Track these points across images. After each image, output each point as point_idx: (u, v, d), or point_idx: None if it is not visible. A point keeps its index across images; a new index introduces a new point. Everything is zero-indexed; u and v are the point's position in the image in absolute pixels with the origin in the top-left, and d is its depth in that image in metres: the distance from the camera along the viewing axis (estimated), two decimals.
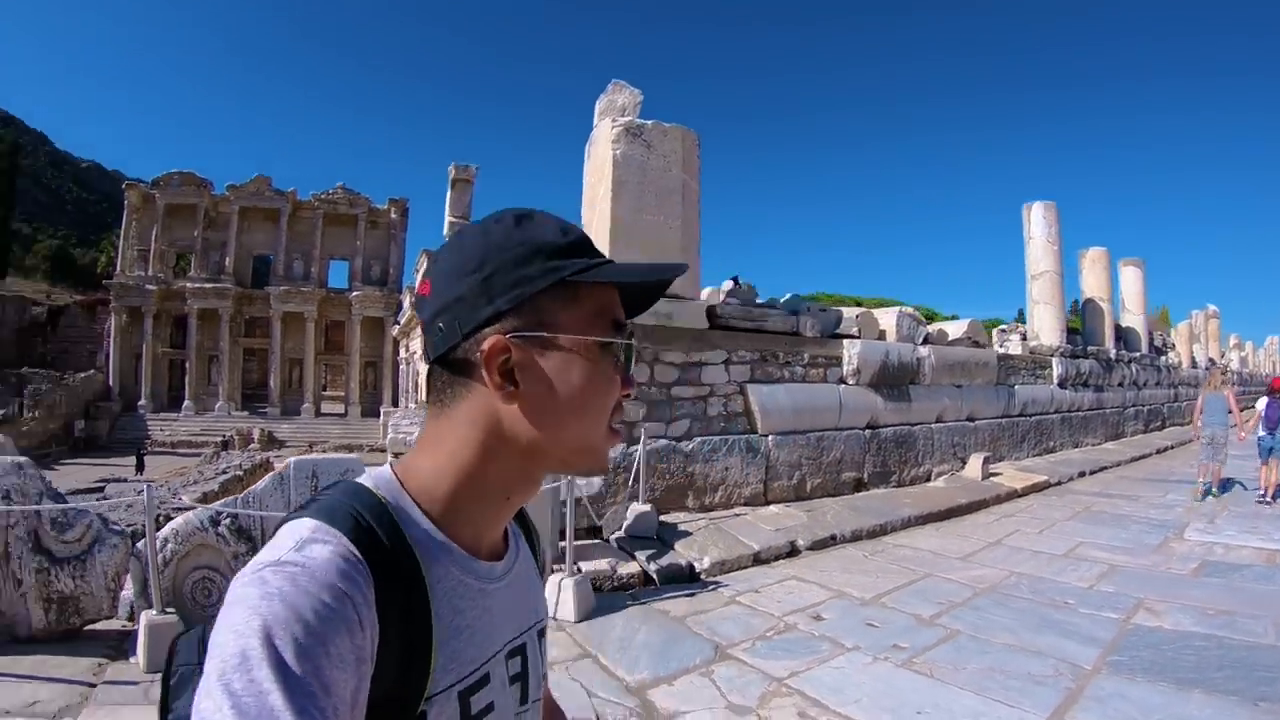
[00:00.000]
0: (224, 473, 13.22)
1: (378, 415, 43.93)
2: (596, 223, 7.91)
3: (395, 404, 41.50)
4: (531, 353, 0.77)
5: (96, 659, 4.51)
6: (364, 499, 0.75)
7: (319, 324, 48.67)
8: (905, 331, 10.72)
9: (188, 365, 47.44)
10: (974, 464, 10.43)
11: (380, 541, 0.71)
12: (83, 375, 44.80)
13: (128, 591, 4.94)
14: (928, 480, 10.19)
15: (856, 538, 7.59)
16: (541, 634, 0.95)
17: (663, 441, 7.70)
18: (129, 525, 8.19)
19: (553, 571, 5.57)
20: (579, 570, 5.66)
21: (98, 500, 11.36)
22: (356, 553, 0.68)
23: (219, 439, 37.22)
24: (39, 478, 4.77)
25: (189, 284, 47.39)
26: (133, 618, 5.00)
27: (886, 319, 10.81)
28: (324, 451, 33.96)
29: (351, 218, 49.73)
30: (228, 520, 4.88)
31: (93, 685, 4.15)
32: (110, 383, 46.66)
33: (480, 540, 0.84)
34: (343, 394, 49.79)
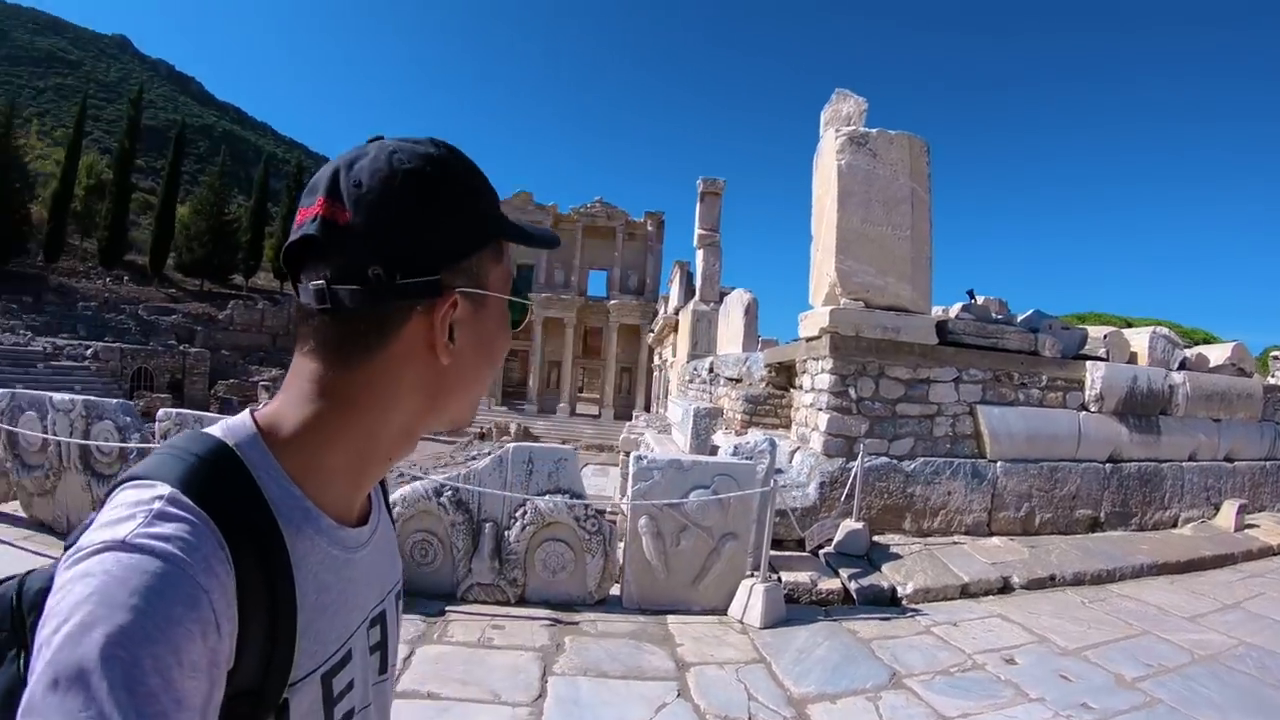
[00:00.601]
0: (473, 459, 14.50)
1: (629, 418, 45.07)
2: (823, 234, 7.83)
3: (647, 408, 42.53)
4: (469, 309, 0.76)
5: None
6: (218, 454, 0.69)
7: (578, 329, 50.42)
8: (1159, 354, 9.74)
9: None
10: (1227, 511, 9.24)
11: (237, 512, 0.65)
12: None
13: None
14: (1173, 526, 9.15)
15: (1079, 581, 7.01)
16: (399, 596, 0.90)
17: (882, 459, 7.49)
18: None
19: (748, 576, 5.70)
20: (778, 579, 5.76)
21: None
22: (216, 532, 0.62)
23: (480, 429, 39.22)
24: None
25: None
26: None
27: (1138, 340, 9.88)
28: (575, 448, 35.53)
29: (610, 230, 51.23)
30: (449, 493, 5.39)
31: None
32: None
33: (351, 504, 0.80)
34: (598, 396, 51.37)
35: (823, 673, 4.59)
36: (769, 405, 9.97)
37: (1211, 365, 10.52)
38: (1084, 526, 8.41)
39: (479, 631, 4.82)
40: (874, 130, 7.91)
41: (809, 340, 8.23)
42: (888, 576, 6.46)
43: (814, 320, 7.93)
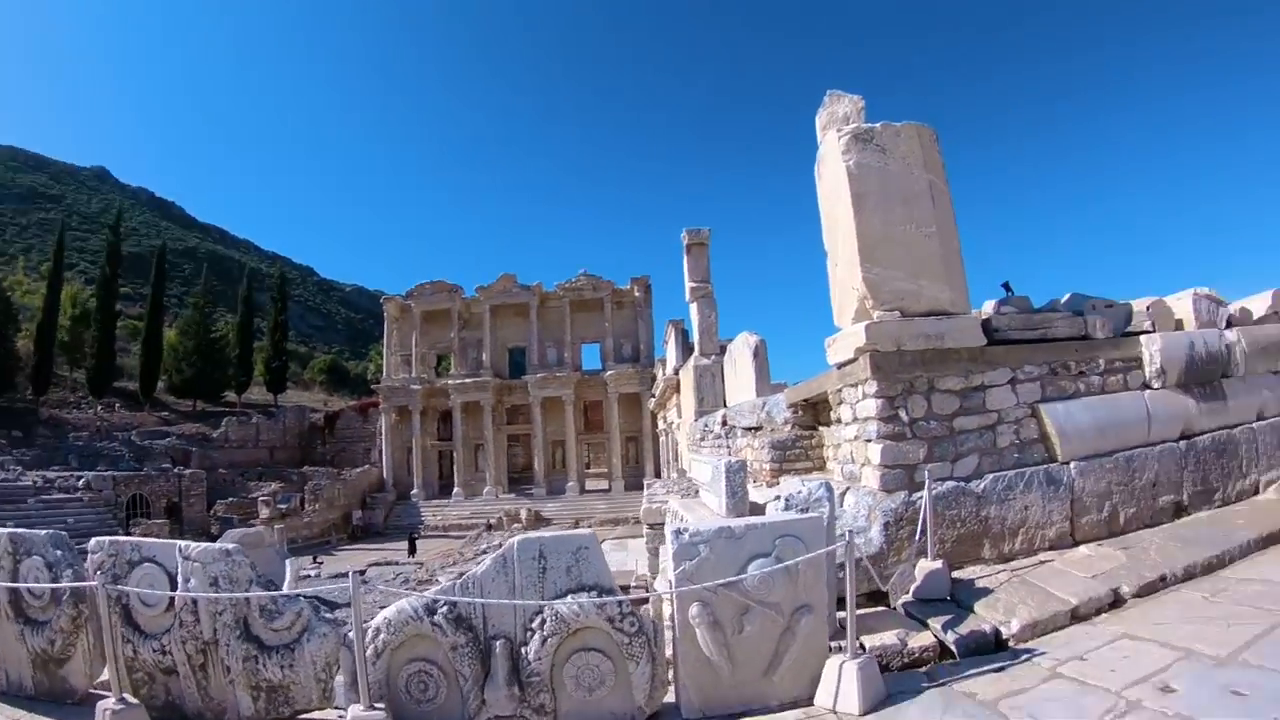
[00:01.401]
0: (484, 552, 13.55)
1: (641, 488, 44.72)
2: (841, 246, 6.99)
3: (657, 475, 41.92)
4: None
5: None
6: None
7: (577, 405, 50.43)
8: (1205, 316, 8.84)
9: (455, 455, 50.66)
10: None
11: None
12: (358, 470, 49.28)
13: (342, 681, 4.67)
14: (1255, 493, 8.15)
15: (1190, 575, 6.07)
16: None
17: (949, 484, 6.52)
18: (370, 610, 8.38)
19: (830, 652, 4.70)
20: (863, 649, 4.71)
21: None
22: None
23: (488, 520, 39.08)
24: (248, 565, 4.68)
25: (451, 381, 50.93)
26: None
27: (1180, 306, 8.99)
28: (589, 526, 35.26)
29: (597, 301, 51.61)
30: (445, 608, 4.40)
31: None
32: (384, 475, 50.88)
33: None
34: (605, 470, 51.14)
35: None
36: (798, 449, 9.06)
37: (1257, 317, 9.70)
38: (1169, 514, 7.51)
39: None
40: (878, 125, 7.11)
41: (842, 366, 7.37)
42: (984, 617, 5.47)
43: (846, 341, 7.06)
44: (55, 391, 57.09)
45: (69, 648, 5.06)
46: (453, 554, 18.93)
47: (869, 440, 6.80)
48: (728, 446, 11.19)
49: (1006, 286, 8.48)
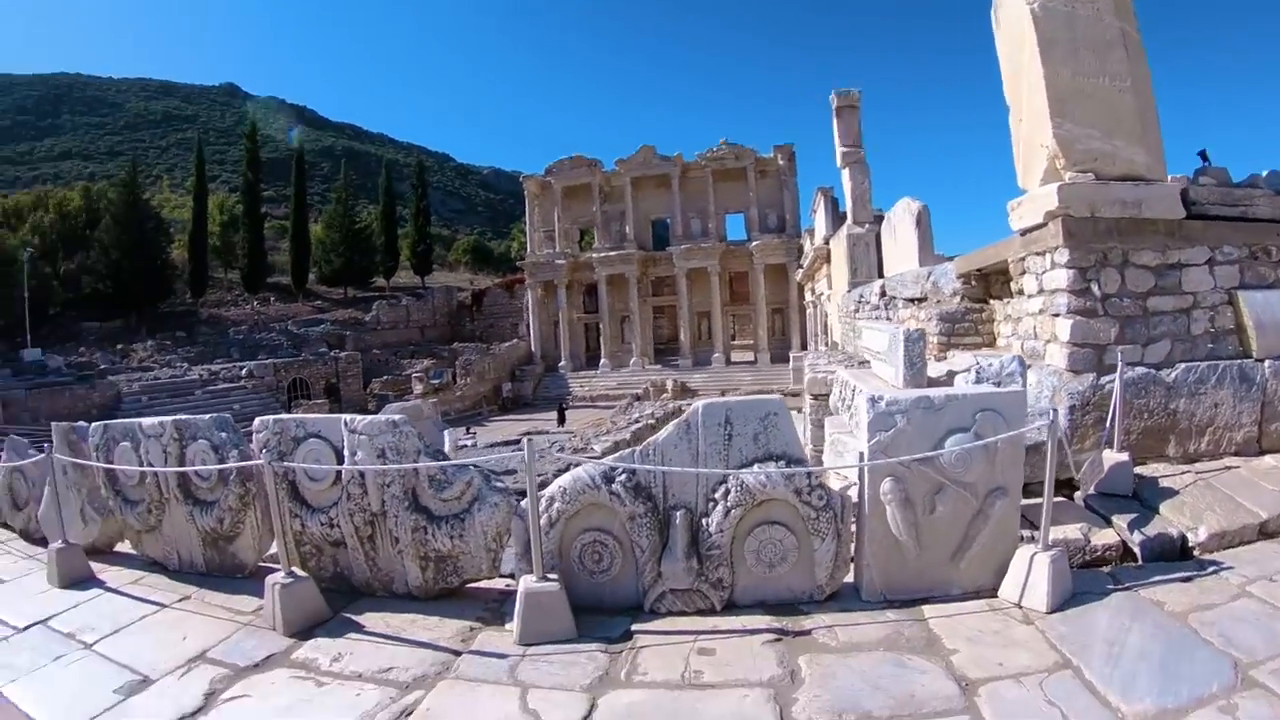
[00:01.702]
0: (636, 421, 13.48)
1: (786, 360, 44.10)
2: (1028, 97, 6.39)
3: (804, 348, 41.24)
4: None
5: (469, 622, 4.27)
6: None
7: (722, 277, 49.74)
8: None
9: (601, 327, 51.01)
10: None
11: None
12: (507, 344, 50.26)
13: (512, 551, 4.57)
14: None
15: None
16: None
17: (1140, 370, 6.01)
18: (539, 475, 8.30)
19: (1024, 543, 4.32)
20: (1053, 543, 4.33)
21: (513, 451, 12.05)
22: None
23: (635, 391, 39.14)
24: (415, 436, 4.56)
25: (595, 254, 50.77)
26: (514, 575, 4.69)
27: None
28: (736, 396, 34.80)
29: (740, 171, 50.01)
30: (623, 476, 4.18)
31: (457, 654, 3.86)
32: (532, 348, 51.76)
33: None
34: (751, 342, 50.66)
35: (1151, 676, 3.30)
36: (968, 322, 8.62)
37: None
38: None
39: (681, 662, 3.61)
40: None
41: (1027, 232, 6.81)
42: (1170, 520, 5.05)
43: (1035, 205, 6.50)
44: (213, 293, 60.32)
45: (237, 525, 5.13)
46: (603, 423, 19.01)
47: (1056, 314, 6.34)
48: (887, 317, 10.74)
49: (1203, 155, 7.62)
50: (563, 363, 50.62)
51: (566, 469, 6.94)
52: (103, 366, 38.25)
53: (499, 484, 4.55)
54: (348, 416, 4.76)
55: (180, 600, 4.96)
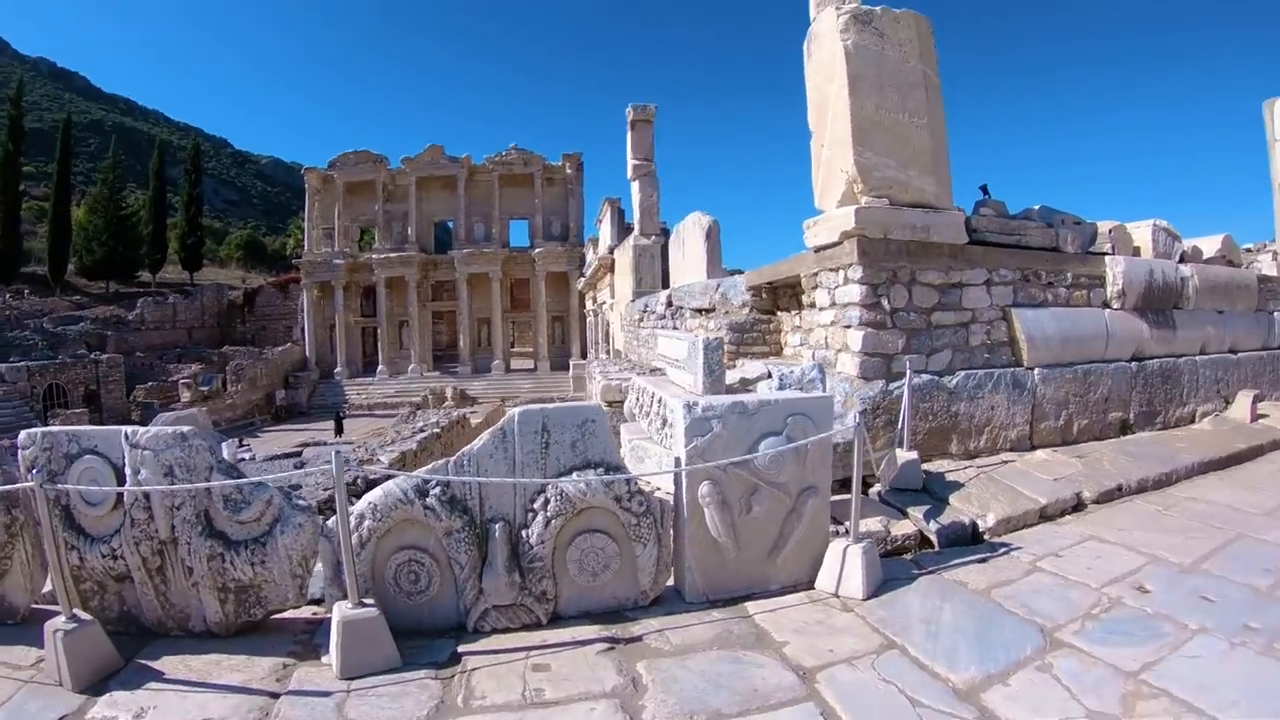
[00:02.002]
0: (421, 431, 13.03)
1: (567, 369, 44.78)
2: (831, 125, 6.82)
3: (584, 356, 41.66)
4: None
5: (281, 658, 3.87)
6: None
7: (504, 283, 49.60)
8: (1161, 248, 9.22)
9: (379, 332, 49.72)
10: (1241, 403, 8.79)
11: None
12: (280, 349, 48.21)
13: (319, 575, 4.22)
14: (1192, 421, 8.70)
15: (1142, 488, 6.38)
16: None
17: (925, 377, 6.58)
18: (325, 491, 7.72)
19: (835, 537, 4.56)
20: (862, 534, 4.61)
21: (295, 465, 11.38)
22: None
23: (414, 399, 38.25)
24: (207, 450, 4.08)
25: (375, 255, 49.58)
26: (320, 600, 4.32)
27: (1140, 234, 9.35)
28: (515, 405, 34.43)
29: (528, 177, 50.23)
30: (438, 489, 3.96)
31: (275, 695, 3.47)
32: (307, 353, 49.79)
33: None
34: (531, 349, 50.71)
35: (969, 646, 3.64)
36: (756, 332, 9.06)
37: (1206, 257, 10.22)
38: (1116, 430, 7.91)
39: (518, 681, 3.50)
40: (878, 8, 6.93)
41: (821, 249, 7.28)
42: (961, 510, 5.59)
43: (831, 224, 6.93)
44: None
45: (4, 560, 4.39)
46: (384, 432, 18.14)
47: (848, 326, 6.80)
48: (674, 327, 11.02)
49: (984, 189, 8.42)
50: (339, 369, 49.14)
51: (355, 481, 6.65)
52: None
53: (301, 502, 4.21)
54: (128, 429, 4.20)
55: None
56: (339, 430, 32.50)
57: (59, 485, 4.07)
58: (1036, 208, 8.15)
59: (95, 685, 3.64)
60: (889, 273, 6.63)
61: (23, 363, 35.88)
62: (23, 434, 4.31)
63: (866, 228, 6.55)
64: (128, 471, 4.05)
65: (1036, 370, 7.23)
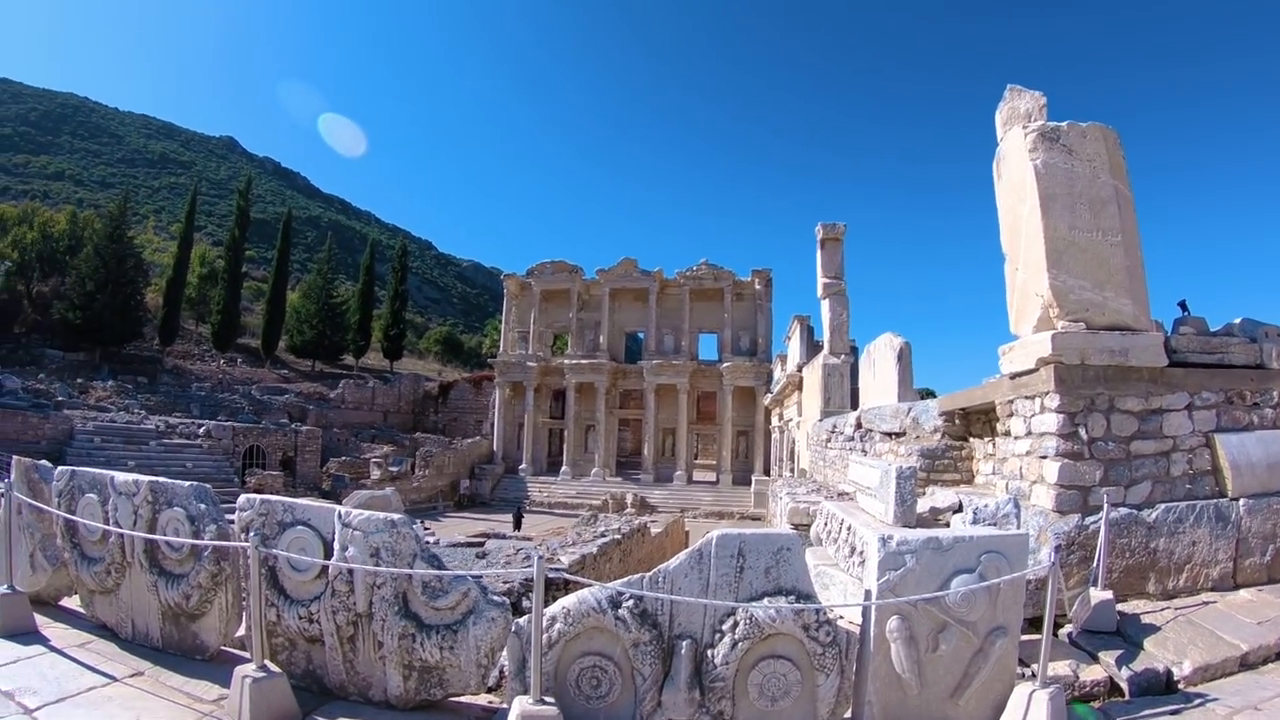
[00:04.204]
0: (603, 536, 13.14)
1: (748, 483, 44.18)
2: (1025, 248, 6.74)
3: (767, 472, 41.34)
4: None
5: None
6: None
7: (691, 394, 49.71)
8: None
9: (566, 434, 50.65)
10: None
11: None
12: (469, 440, 49.62)
13: (501, 664, 4.40)
14: None
15: None
16: None
17: (1123, 510, 6.22)
18: (504, 584, 8.03)
19: (1022, 680, 4.34)
20: (1052, 678, 4.36)
21: (476, 555, 11.83)
22: None
23: (594, 502, 38.74)
24: (414, 538, 4.36)
25: (567, 360, 50.68)
26: (495, 689, 4.48)
27: None
28: (694, 518, 34.48)
29: (717, 291, 50.56)
30: (631, 602, 4.07)
31: None
32: (494, 447, 51.16)
33: None
34: (714, 462, 50.35)
35: None
36: (948, 459, 8.77)
37: None
38: None
39: None
40: (1064, 124, 6.84)
41: (1017, 376, 7.09)
42: (1155, 655, 5.20)
43: (1027, 350, 6.78)
44: (180, 344, 59.31)
45: (205, 604, 4.84)
46: (563, 532, 18.44)
47: (1044, 456, 6.53)
48: (863, 450, 10.82)
49: (1183, 305, 8.01)
50: (524, 465, 50.02)
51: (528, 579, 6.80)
52: (60, 398, 36.75)
53: (496, 598, 4.40)
54: (342, 509, 4.57)
55: (133, 675, 4.62)
56: (517, 525, 33.01)
57: (271, 549, 4.44)
58: (1238, 321, 7.68)
59: None
60: (1086, 400, 6.39)
61: (229, 423, 38.19)
62: (242, 498, 4.76)
63: (1063, 354, 6.37)
64: (335, 546, 4.40)
65: (1241, 501, 6.63)
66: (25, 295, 50.49)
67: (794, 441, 27.21)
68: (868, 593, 4.18)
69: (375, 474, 38.02)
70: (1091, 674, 4.99)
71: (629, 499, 38.72)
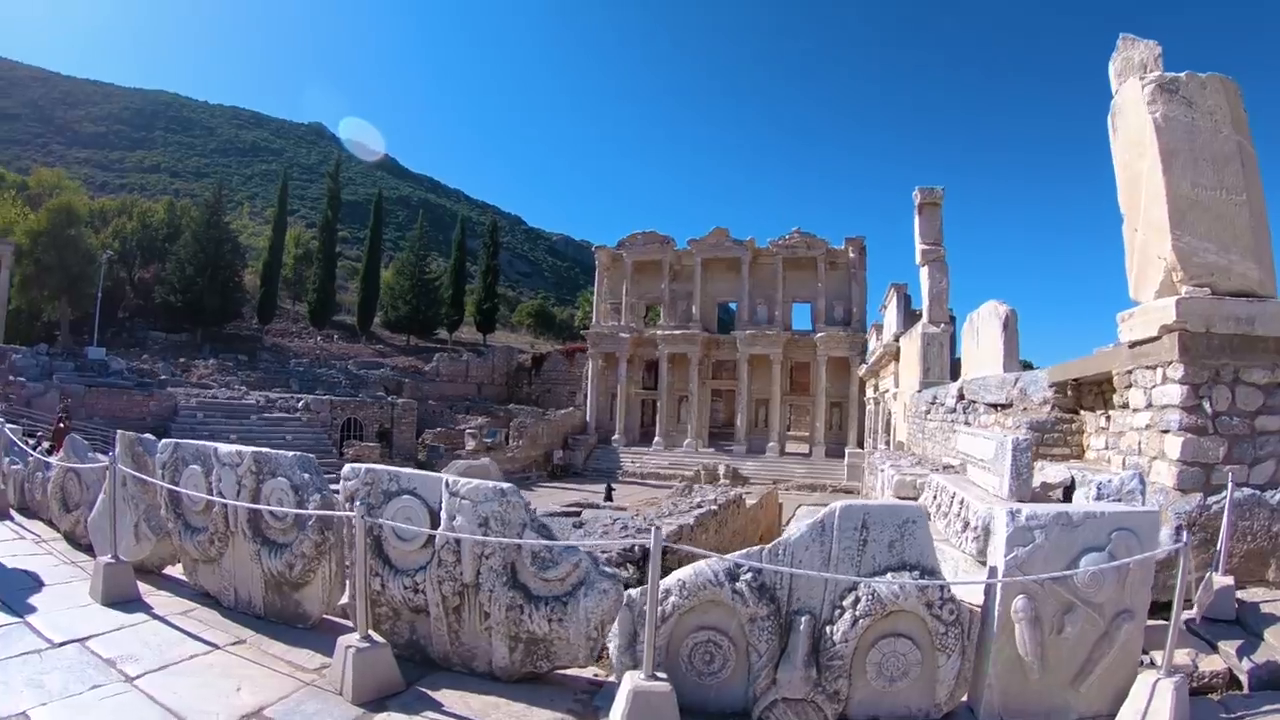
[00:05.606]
0: (699, 507, 13.00)
1: (842, 456, 43.67)
2: (1146, 205, 6.42)
3: (860, 445, 40.79)
4: None
5: (560, 714, 3.97)
6: None
7: (784, 365, 49.11)
8: None
9: (658, 404, 50.63)
10: None
11: None
12: (562, 412, 50.03)
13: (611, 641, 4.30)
14: None
15: None
16: None
17: (1246, 491, 5.85)
18: (603, 554, 7.97)
19: (1145, 667, 4.15)
20: (1175, 667, 4.13)
21: (573, 525, 11.91)
22: None
23: (687, 473, 38.25)
24: (523, 507, 4.32)
25: (659, 331, 50.72)
26: (600, 658, 4.40)
27: None
28: (787, 490, 33.99)
29: (810, 260, 49.74)
30: (749, 575, 3.96)
31: None
32: (587, 419, 51.34)
33: None
34: (807, 434, 49.77)
35: None
36: (1057, 433, 8.40)
37: None
38: None
39: None
40: (1183, 74, 6.51)
41: (1137, 344, 6.74)
42: (1276, 648, 4.85)
43: (1148, 317, 6.45)
44: (278, 322, 61.90)
45: (308, 573, 4.89)
46: (658, 503, 18.41)
47: (1166, 431, 6.23)
48: (965, 421, 10.53)
49: None
50: (616, 436, 50.08)
51: (633, 549, 6.77)
52: (163, 377, 38.46)
53: (608, 570, 4.34)
54: (449, 477, 4.54)
55: (234, 644, 4.70)
56: (609, 496, 33.20)
57: (377, 519, 4.42)
58: None
59: (374, 702, 3.91)
60: (1211, 371, 6.06)
61: (327, 397, 39.57)
62: (347, 467, 4.79)
63: (1188, 320, 6.06)
64: (443, 516, 4.38)
65: None
66: (128, 281, 53.74)
67: (890, 413, 26.86)
68: (993, 569, 4.00)
69: (470, 444, 38.42)
70: (1210, 665, 4.74)
71: (721, 470, 38.31)
